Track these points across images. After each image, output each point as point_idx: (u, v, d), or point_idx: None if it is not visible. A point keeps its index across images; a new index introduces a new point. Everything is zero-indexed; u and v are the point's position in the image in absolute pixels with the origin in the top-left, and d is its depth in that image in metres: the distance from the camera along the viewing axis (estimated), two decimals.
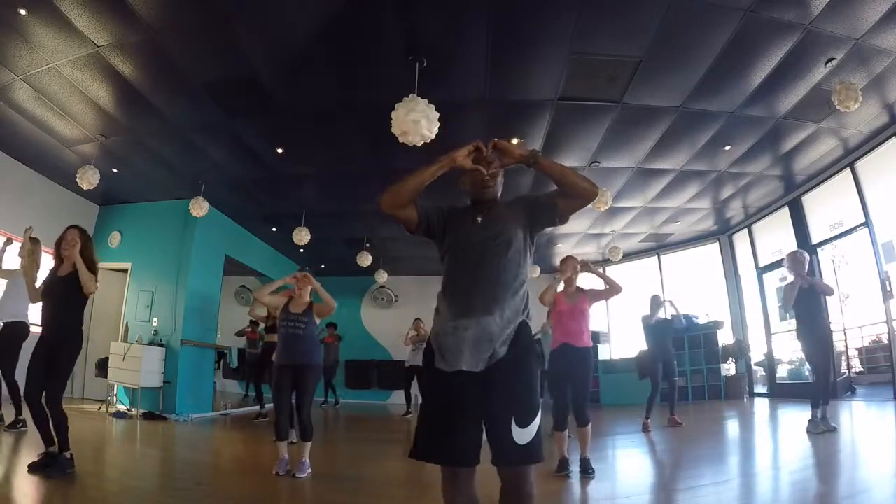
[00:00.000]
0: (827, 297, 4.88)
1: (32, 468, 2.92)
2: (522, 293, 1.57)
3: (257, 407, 7.30)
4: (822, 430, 4.18)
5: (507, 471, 1.41)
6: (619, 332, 10.71)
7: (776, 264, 8.21)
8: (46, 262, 4.50)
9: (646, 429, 5.36)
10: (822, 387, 4.41)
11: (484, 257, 1.55)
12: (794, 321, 5.27)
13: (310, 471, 3.38)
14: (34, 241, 4.47)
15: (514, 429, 1.39)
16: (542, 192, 1.71)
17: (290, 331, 3.54)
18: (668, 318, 6.18)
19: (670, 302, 6.32)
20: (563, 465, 3.41)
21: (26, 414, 4.32)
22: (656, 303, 6.15)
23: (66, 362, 3.19)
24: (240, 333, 9.48)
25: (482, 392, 1.44)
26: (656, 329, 6.03)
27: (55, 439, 3.04)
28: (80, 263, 3.18)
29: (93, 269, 3.31)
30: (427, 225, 1.66)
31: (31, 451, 3.64)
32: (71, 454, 3.05)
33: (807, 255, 4.86)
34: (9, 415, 4.38)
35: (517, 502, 1.41)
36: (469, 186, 1.72)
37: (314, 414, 3.70)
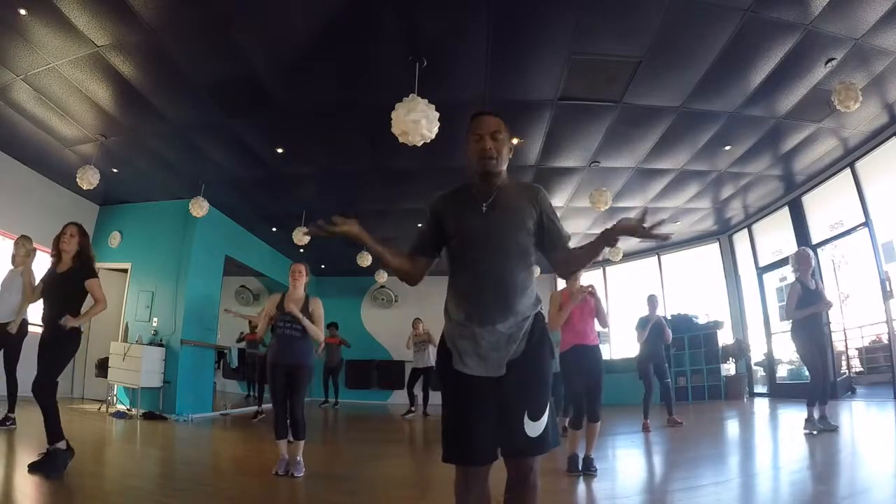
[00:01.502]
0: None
1: (33, 468, 2.91)
2: (533, 288, 1.56)
3: (255, 407, 7.35)
4: (819, 430, 4.18)
5: (515, 462, 1.44)
6: (619, 333, 10.71)
7: (776, 264, 8.22)
8: (40, 259, 4.54)
9: (646, 429, 5.36)
10: (819, 387, 4.41)
11: (494, 260, 1.51)
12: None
13: (304, 470, 3.37)
14: (26, 239, 4.47)
15: (527, 422, 1.42)
16: (557, 226, 1.61)
17: (287, 331, 3.51)
18: (663, 318, 6.12)
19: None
20: (574, 464, 3.41)
21: (16, 412, 4.36)
22: (653, 303, 6.12)
23: (55, 353, 3.15)
24: (241, 339, 9.53)
25: (498, 387, 1.46)
26: (650, 330, 5.99)
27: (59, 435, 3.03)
28: (90, 312, 3.24)
29: (89, 264, 3.32)
30: (437, 251, 1.68)
31: (26, 448, 3.65)
32: (67, 443, 3.03)
33: (811, 253, 4.82)
34: (1, 411, 4.37)
35: (523, 493, 1.44)
36: (474, 159, 1.62)
37: (313, 414, 3.69)
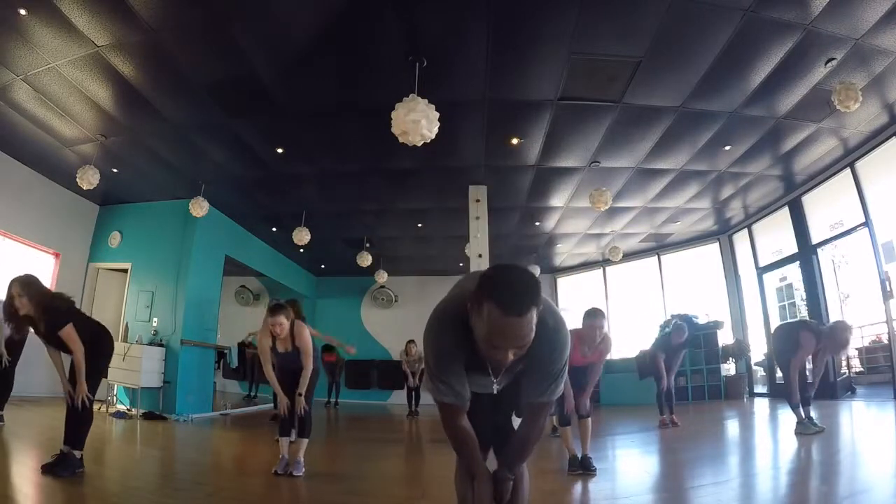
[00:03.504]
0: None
1: (45, 469, 2.90)
2: None
3: (270, 405, 7.39)
4: (814, 431, 4.18)
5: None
6: (618, 333, 10.71)
7: (776, 264, 8.22)
8: (15, 250, 4.36)
9: (664, 425, 5.39)
10: (792, 389, 4.40)
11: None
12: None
13: (304, 469, 3.37)
14: None
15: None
16: (540, 382, 1.43)
17: (283, 365, 3.47)
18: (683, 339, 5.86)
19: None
20: (573, 464, 3.41)
21: (5, 411, 4.38)
22: (681, 331, 5.79)
23: (90, 361, 3.09)
24: (242, 344, 9.68)
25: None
26: (670, 345, 5.85)
27: (71, 437, 3.02)
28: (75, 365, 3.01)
29: (52, 310, 2.99)
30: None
31: (23, 448, 3.66)
32: (82, 455, 3.04)
33: (848, 339, 4.40)
34: None
35: (515, 479, 1.58)
36: (485, 354, 1.28)
37: (316, 414, 3.69)
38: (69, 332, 2.97)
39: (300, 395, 3.39)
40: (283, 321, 3.29)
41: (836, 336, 4.35)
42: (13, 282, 2.93)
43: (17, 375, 4.52)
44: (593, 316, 3.39)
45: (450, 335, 1.35)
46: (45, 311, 2.95)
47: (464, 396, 1.40)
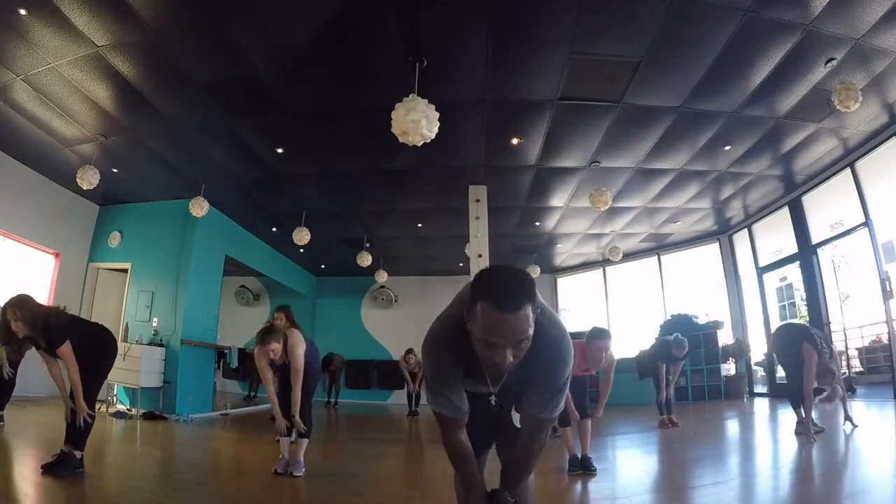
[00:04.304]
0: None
1: (46, 469, 2.89)
2: None
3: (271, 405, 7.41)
4: (814, 431, 4.17)
5: (508, 449, 1.63)
6: (618, 333, 10.69)
7: (776, 264, 8.22)
8: (15, 250, 4.34)
9: (664, 425, 5.39)
10: (808, 409, 4.37)
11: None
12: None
13: (304, 469, 3.37)
14: None
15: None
16: (542, 396, 1.41)
17: (282, 375, 3.45)
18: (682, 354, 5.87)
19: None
20: (573, 464, 3.41)
21: (5, 411, 4.40)
22: (682, 346, 5.82)
23: (90, 364, 3.11)
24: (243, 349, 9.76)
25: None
26: (671, 354, 5.86)
27: (72, 437, 3.02)
28: (71, 378, 2.99)
29: (49, 330, 2.94)
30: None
31: (22, 448, 3.66)
32: (82, 455, 3.04)
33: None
34: None
35: None
36: (483, 360, 1.28)
37: (316, 414, 3.69)
38: (65, 352, 2.96)
39: (294, 416, 3.36)
40: (276, 346, 3.29)
41: (835, 375, 4.28)
42: (6, 306, 2.89)
43: (18, 376, 4.52)
44: (600, 337, 3.26)
45: (447, 348, 1.36)
46: (42, 329, 2.93)
47: (462, 410, 1.42)
